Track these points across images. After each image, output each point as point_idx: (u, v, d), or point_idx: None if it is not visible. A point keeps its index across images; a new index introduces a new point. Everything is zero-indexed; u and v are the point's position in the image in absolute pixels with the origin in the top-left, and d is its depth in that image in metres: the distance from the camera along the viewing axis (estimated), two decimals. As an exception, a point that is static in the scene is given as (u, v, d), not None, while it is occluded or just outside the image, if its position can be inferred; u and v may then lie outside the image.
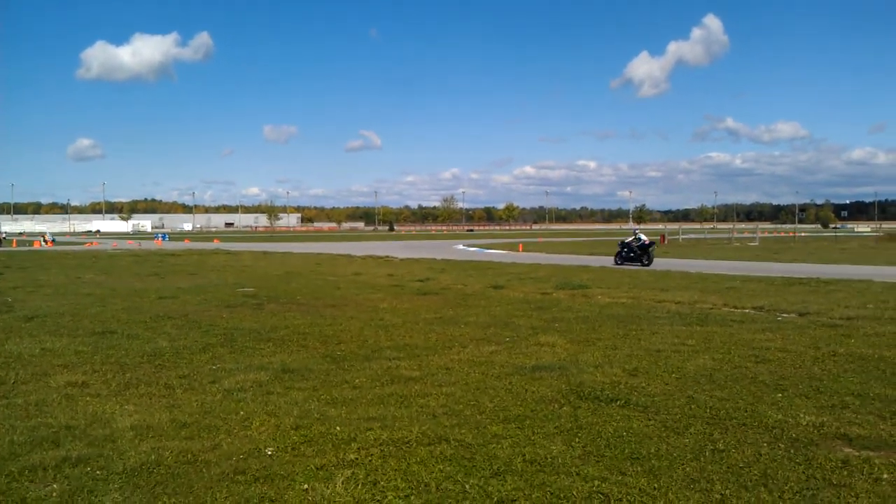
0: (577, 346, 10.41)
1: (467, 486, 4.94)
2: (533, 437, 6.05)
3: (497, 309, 14.85)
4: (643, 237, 31.79)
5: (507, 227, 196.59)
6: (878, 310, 13.98)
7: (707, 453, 5.62)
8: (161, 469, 5.37)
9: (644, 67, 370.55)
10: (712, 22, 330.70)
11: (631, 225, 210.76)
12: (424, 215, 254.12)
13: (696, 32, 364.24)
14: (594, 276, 23.57)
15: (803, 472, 5.21)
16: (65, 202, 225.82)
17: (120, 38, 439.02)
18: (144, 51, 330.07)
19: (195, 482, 5.09)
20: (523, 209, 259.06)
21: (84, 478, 5.19)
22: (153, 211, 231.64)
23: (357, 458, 5.52)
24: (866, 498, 4.73)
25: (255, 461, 5.48)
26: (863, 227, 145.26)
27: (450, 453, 5.64)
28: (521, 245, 56.17)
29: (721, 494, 4.80)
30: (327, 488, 4.92)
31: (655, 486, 4.95)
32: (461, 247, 56.75)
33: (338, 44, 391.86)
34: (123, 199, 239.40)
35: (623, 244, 31.72)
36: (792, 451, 5.69)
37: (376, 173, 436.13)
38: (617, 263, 30.91)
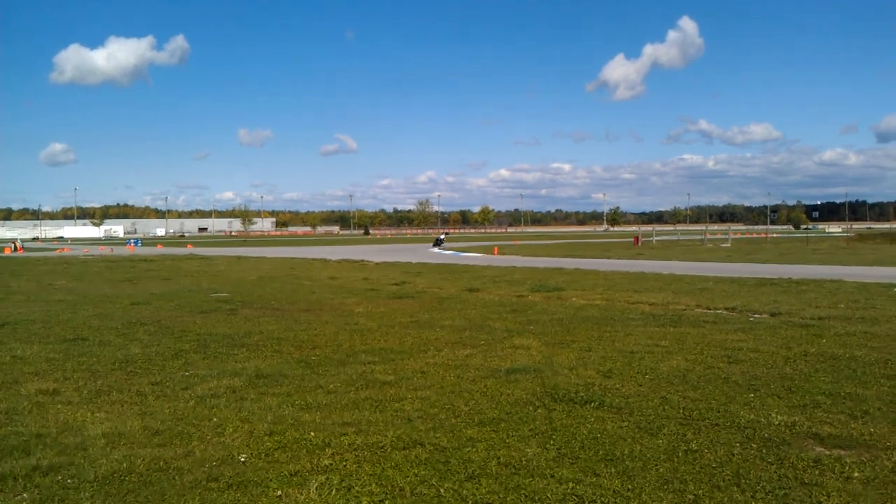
0: (552, 348, 10.44)
1: (442, 490, 4.94)
2: (508, 440, 6.06)
3: (472, 312, 14.86)
4: (442, 237, 66.64)
5: (483, 231, 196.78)
6: (848, 310, 14.14)
7: (680, 454, 5.66)
8: (133, 477, 5.31)
9: (620, 70, 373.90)
10: (687, 24, 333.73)
11: (605, 227, 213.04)
12: (400, 219, 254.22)
13: (672, 35, 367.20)
14: (569, 278, 23.64)
15: (775, 472, 5.25)
16: (36, 208, 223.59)
17: (94, 42, 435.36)
18: (119, 54, 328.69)
19: (167, 490, 5.04)
20: (498, 212, 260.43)
21: (55, 486, 5.12)
22: (125, 216, 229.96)
23: (331, 464, 5.49)
24: (837, 497, 4.78)
25: (229, 468, 5.44)
26: (834, 228, 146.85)
27: (425, 457, 5.63)
28: (496, 248, 56.25)
29: (694, 495, 4.83)
30: (301, 494, 4.89)
31: (629, 487, 4.97)
32: (437, 250, 56.73)
33: (314, 46, 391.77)
34: (96, 205, 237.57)
35: (436, 239, 65.47)
36: (764, 450, 5.74)
37: (351, 177, 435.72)
38: (431, 249, 57.97)
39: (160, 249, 67.06)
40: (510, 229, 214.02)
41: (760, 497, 4.80)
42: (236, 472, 5.33)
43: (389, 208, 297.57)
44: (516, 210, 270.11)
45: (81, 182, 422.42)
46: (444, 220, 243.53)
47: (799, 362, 9.17)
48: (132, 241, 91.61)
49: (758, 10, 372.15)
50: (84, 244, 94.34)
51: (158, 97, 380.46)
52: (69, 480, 5.25)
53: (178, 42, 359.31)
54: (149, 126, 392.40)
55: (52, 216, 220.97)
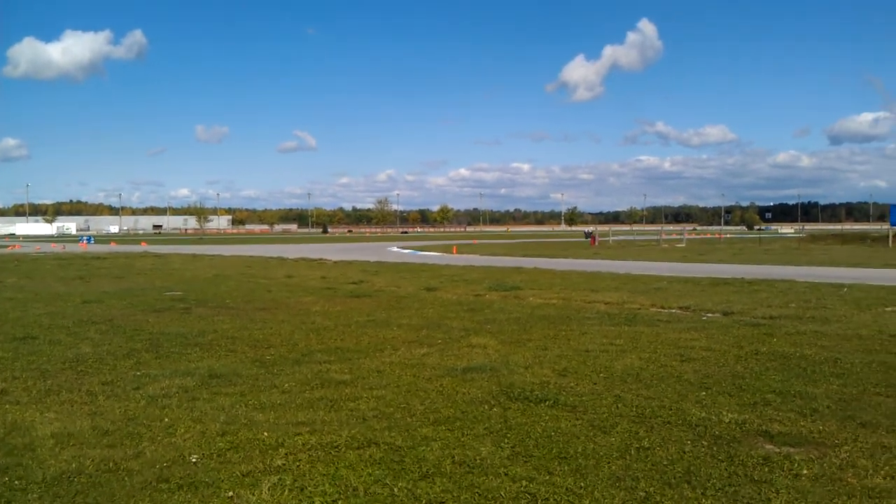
0: (509, 347, 10.48)
1: (396, 490, 4.93)
2: (463, 439, 6.07)
3: (430, 311, 14.86)
4: (589, 230, 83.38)
5: (442, 229, 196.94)
6: (799, 309, 14.40)
7: (632, 451, 5.71)
8: (82, 478, 5.22)
9: (579, 71, 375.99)
10: (647, 27, 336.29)
11: (563, 227, 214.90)
12: (359, 217, 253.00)
13: (631, 37, 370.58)
14: (526, 277, 23.75)
15: (725, 469, 5.32)
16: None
17: (50, 35, 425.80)
18: (75, 48, 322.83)
19: (117, 491, 4.97)
20: (458, 211, 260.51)
21: (1, 488, 5.03)
22: (78, 213, 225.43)
23: (284, 464, 5.45)
24: (786, 493, 4.85)
25: (179, 468, 5.37)
26: (786, 229, 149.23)
27: (379, 457, 5.61)
28: (455, 247, 56.32)
29: (645, 492, 4.88)
30: (253, 495, 4.84)
31: (582, 484, 5.00)
32: (395, 249, 56.64)
33: (274, 43, 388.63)
34: (48, 201, 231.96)
35: (585, 233, 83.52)
36: (715, 448, 5.82)
37: (310, 174, 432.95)
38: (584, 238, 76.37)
39: (113, 247, 65.94)
40: (469, 228, 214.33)
41: (710, 494, 4.86)
42: (187, 473, 5.27)
43: (348, 206, 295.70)
44: (475, 209, 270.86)
45: (34, 178, 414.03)
46: (404, 218, 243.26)
47: (750, 361, 9.32)
48: (85, 238, 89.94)
49: (715, 14, 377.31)
50: (36, 241, 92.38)
51: (114, 92, 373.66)
52: (16, 482, 5.15)
53: (136, 37, 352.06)
54: (104, 122, 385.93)
55: (3, 213, 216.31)
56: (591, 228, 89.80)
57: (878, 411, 6.85)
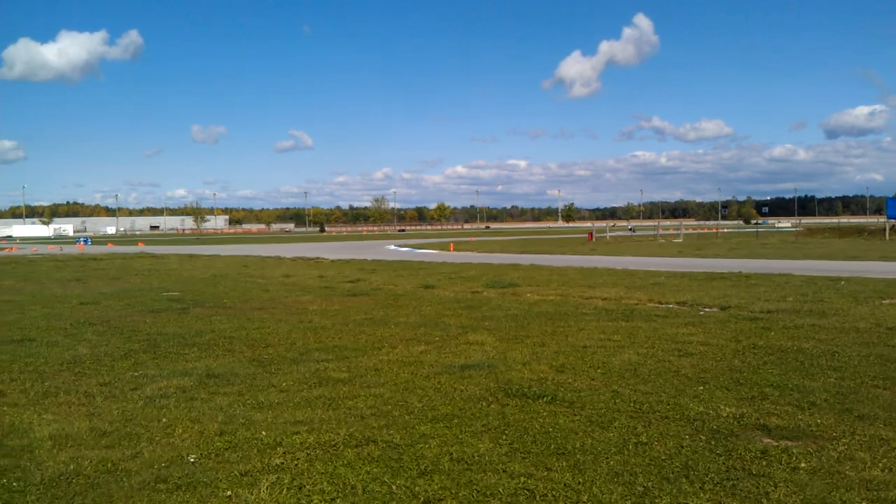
0: (506, 343, 10.48)
1: (394, 487, 4.92)
2: (461, 436, 6.06)
3: (427, 308, 14.85)
4: (631, 225, 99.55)
5: (439, 227, 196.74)
6: (797, 303, 14.41)
7: (630, 446, 5.71)
8: (80, 479, 5.22)
9: (576, 67, 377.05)
10: (643, 22, 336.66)
11: (560, 223, 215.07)
12: (356, 216, 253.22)
13: (627, 32, 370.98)
14: (524, 274, 23.74)
15: (724, 463, 5.32)
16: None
17: (45, 36, 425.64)
18: (71, 49, 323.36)
19: (115, 492, 4.96)
20: (455, 209, 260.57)
21: (0, 490, 5.02)
22: (75, 214, 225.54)
23: (283, 463, 5.45)
24: (784, 487, 4.86)
25: (178, 469, 5.37)
26: (783, 223, 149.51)
27: (377, 454, 5.61)
28: (452, 244, 56.28)
29: (644, 487, 4.88)
30: (251, 494, 4.84)
31: (580, 480, 5.00)
32: (393, 247, 56.62)
33: (271, 41, 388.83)
34: (45, 203, 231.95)
35: (629, 227, 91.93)
36: (713, 442, 5.82)
37: (307, 174, 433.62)
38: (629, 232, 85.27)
39: (110, 248, 65.84)
40: (467, 226, 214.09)
41: (709, 488, 4.86)
42: (185, 473, 5.26)
43: (345, 205, 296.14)
44: (472, 206, 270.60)
45: (31, 180, 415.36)
46: (401, 217, 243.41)
47: (748, 355, 9.32)
48: (82, 239, 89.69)
49: (711, 9, 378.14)
50: (33, 243, 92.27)
51: (110, 93, 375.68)
52: (14, 483, 5.15)
53: (132, 37, 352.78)
54: (100, 123, 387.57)
55: (0, 215, 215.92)
56: (632, 225, 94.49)
57: (875, 404, 6.86)
